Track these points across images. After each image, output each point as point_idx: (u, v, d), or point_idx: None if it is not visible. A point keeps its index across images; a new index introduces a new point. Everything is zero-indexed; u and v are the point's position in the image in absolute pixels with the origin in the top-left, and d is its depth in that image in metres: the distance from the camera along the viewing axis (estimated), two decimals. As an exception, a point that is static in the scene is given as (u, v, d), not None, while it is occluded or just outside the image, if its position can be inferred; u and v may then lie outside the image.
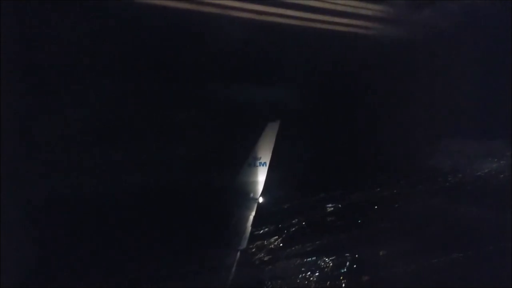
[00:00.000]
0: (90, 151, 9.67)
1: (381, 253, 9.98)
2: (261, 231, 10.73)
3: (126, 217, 8.48)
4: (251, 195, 8.87)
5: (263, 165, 8.99)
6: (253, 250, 10.36)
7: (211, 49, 10.79)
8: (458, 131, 11.54)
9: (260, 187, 8.96)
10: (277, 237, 10.73)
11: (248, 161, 9.04)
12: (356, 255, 9.93)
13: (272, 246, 10.57)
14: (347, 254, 9.99)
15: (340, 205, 11.33)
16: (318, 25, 11.56)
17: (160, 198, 9.08)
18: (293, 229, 10.97)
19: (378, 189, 11.58)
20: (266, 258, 10.28)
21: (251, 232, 9.47)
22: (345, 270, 9.85)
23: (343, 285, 9.61)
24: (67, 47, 9.87)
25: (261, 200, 9.06)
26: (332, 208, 11.32)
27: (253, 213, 8.67)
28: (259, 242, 10.54)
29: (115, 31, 10.18)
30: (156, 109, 10.69)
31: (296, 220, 11.07)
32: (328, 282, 9.69)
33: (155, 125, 10.66)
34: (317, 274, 9.85)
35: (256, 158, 9.03)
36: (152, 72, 10.70)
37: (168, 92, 10.73)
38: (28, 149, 8.76)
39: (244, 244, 8.29)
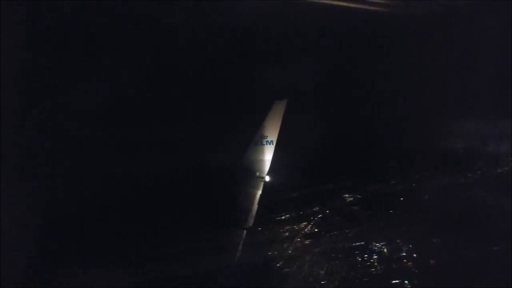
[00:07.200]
0: (95, 138, 9.08)
1: (434, 240, 9.48)
2: (283, 217, 9.89)
3: (132, 200, 8.41)
4: (258, 173, 8.69)
5: (270, 144, 8.75)
6: (287, 234, 9.56)
7: (218, 27, 10.37)
8: (475, 122, 11.24)
9: (267, 165, 8.75)
10: (306, 223, 9.90)
11: (255, 140, 8.80)
12: (410, 244, 9.34)
13: (306, 231, 9.78)
14: (398, 240, 9.37)
15: (359, 196, 10.60)
16: (327, 1, 10.91)
17: (167, 178, 8.77)
18: (319, 216, 10.14)
19: (393, 182, 10.86)
20: (307, 242, 9.52)
21: (274, 218, 9.77)
22: (404, 254, 9.20)
23: (413, 268, 8.92)
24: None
25: (267, 178, 8.81)
26: (351, 198, 10.63)
27: (260, 192, 8.54)
28: (288, 227, 9.71)
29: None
30: (164, 89, 10.30)
31: (317, 208, 10.27)
32: (393, 264, 9.04)
33: (163, 105, 10.21)
34: (375, 256, 9.17)
35: (262, 137, 8.79)
36: (159, 52, 10.36)
37: (176, 71, 10.33)
38: (27, 149, 8.27)
39: (250, 222, 8.22)
